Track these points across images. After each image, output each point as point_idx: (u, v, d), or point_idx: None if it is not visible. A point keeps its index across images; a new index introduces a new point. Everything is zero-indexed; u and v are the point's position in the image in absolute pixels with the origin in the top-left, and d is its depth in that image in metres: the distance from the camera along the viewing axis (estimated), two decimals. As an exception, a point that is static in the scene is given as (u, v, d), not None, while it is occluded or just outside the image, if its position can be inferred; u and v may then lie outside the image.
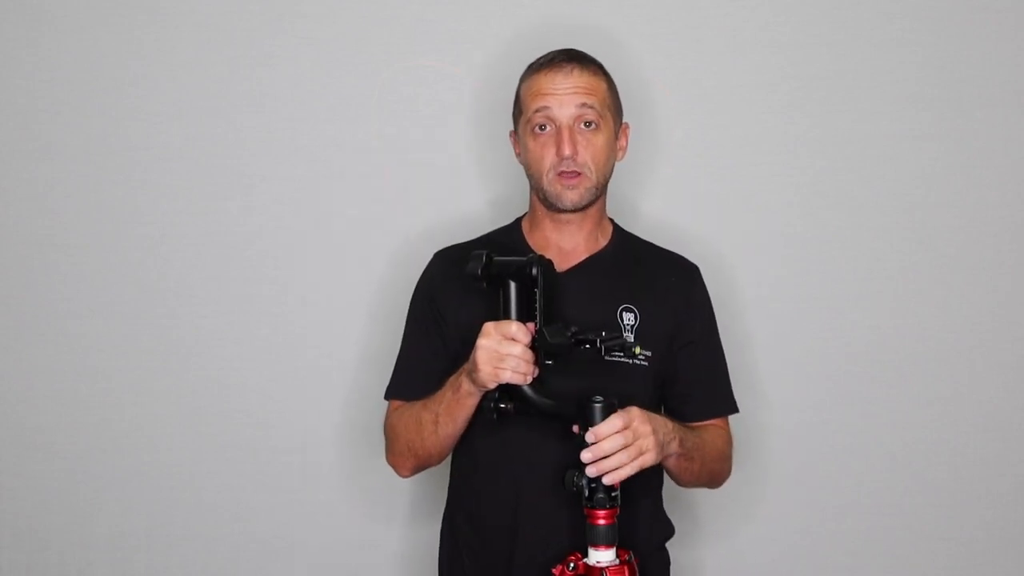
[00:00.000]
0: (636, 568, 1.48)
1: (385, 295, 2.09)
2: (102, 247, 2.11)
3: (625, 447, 1.44)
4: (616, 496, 1.46)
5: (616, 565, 1.45)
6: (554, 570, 1.50)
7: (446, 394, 1.58)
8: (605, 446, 1.44)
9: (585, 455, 1.44)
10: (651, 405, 1.70)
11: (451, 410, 1.58)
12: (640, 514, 1.65)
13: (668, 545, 1.77)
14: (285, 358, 2.13)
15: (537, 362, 1.49)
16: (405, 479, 1.76)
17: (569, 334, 1.48)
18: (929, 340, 2.17)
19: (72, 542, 2.14)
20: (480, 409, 1.56)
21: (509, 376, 1.47)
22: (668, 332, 1.70)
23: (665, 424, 1.54)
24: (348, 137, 2.12)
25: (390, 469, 1.84)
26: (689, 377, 1.73)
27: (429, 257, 1.78)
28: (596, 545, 1.46)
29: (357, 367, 2.11)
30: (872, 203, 2.15)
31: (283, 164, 2.12)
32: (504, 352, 1.47)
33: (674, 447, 1.55)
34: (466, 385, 1.53)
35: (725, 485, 1.82)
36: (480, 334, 1.48)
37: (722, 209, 2.14)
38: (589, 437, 1.44)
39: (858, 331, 2.16)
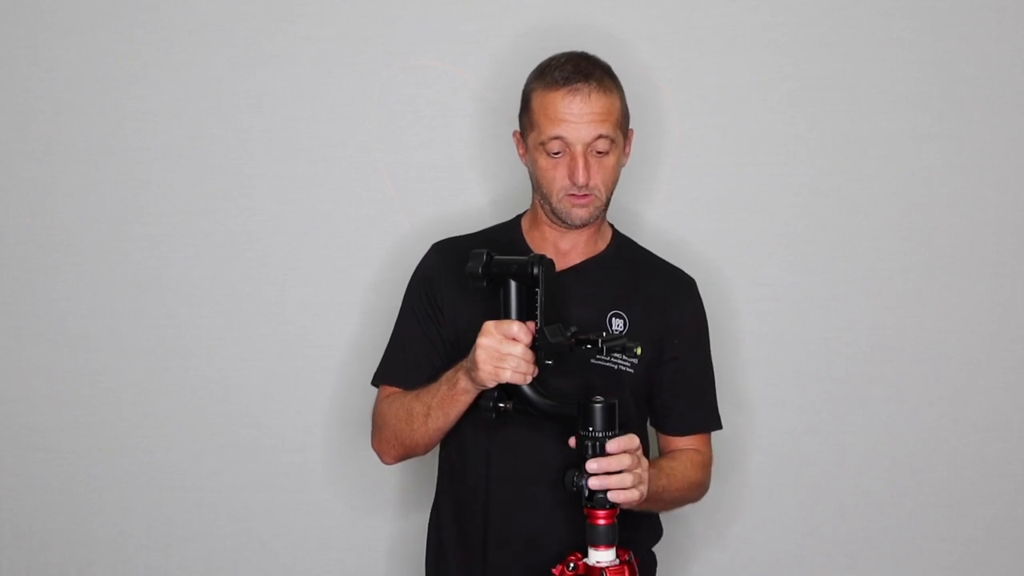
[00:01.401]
0: (636, 568, 1.48)
1: (385, 295, 2.08)
2: (102, 247, 2.11)
3: (631, 470, 1.45)
4: (616, 496, 1.46)
5: (616, 565, 1.45)
6: (554, 570, 1.50)
7: (440, 388, 1.57)
8: (614, 463, 1.44)
9: (592, 465, 1.43)
10: (637, 411, 1.70)
11: (444, 405, 1.57)
12: (633, 516, 1.65)
13: (658, 547, 1.77)
14: (285, 358, 2.13)
15: (537, 362, 1.49)
16: (389, 466, 1.76)
17: (569, 334, 1.48)
18: (929, 340, 2.17)
19: (72, 542, 2.14)
20: (475, 405, 1.56)
21: (509, 376, 1.47)
22: (656, 342, 1.69)
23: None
24: (348, 137, 2.12)
25: (392, 468, 1.85)
26: (674, 390, 1.73)
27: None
28: (596, 545, 1.46)
29: (357, 367, 2.11)
30: (872, 203, 2.15)
31: (283, 164, 2.12)
32: (505, 352, 1.46)
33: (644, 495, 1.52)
34: (463, 382, 1.53)
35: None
36: (480, 333, 1.48)
37: (721, 209, 2.14)
38: (611, 447, 1.43)
39: (858, 331, 2.16)
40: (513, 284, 1.49)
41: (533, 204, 1.75)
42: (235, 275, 2.12)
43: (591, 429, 1.44)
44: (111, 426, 2.13)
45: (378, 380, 1.75)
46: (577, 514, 1.49)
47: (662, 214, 2.12)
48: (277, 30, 2.11)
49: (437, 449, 1.75)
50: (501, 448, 1.65)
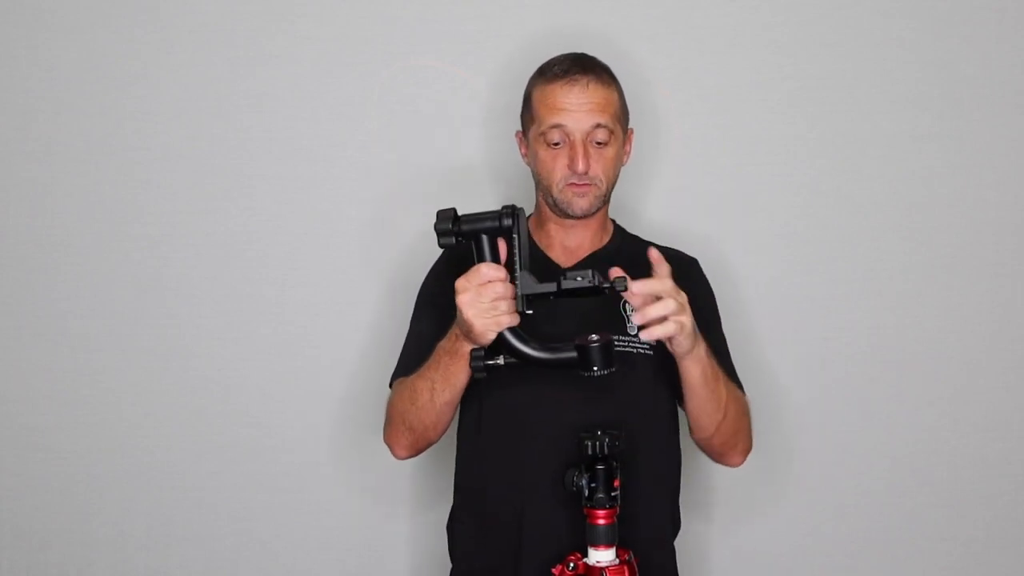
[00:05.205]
0: (636, 568, 1.48)
1: (385, 295, 2.09)
2: (102, 247, 2.11)
3: (674, 299, 1.42)
4: (616, 496, 1.46)
5: (616, 565, 1.45)
6: (554, 570, 1.50)
7: (441, 361, 1.55)
8: (657, 286, 1.41)
9: (635, 299, 1.41)
10: (659, 394, 1.69)
11: (449, 376, 1.55)
12: (654, 509, 1.64)
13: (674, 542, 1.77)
14: (285, 358, 2.13)
15: (518, 311, 1.45)
16: (402, 459, 1.70)
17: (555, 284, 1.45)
18: (929, 340, 2.17)
19: (72, 542, 2.14)
20: (478, 411, 1.55)
21: (508, 320, 1.44)
22: None
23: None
24: (348, 137, 2.12)
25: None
26: None
27: (430, 258, 1.79)
28: (596, 545, 1.46)
29: (357, 367, 2.11)
30: (872, 203, 2.15)
31: (283, 164, 2.12)
32: (490, 299, 1.43)
33: (702, 348, 1.51)
34: (464, 347, 1.50)
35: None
36: (456, 293, 1.45)
37: (722, 209, 2.14)
38: (637, 287, 1.41)
39: (858, 331, 2.16)
40: (484, 237, 1.45)
41: (537, 204, 1.76)
42: (235, 275, 2.12)
43: (595, 369, 1.41)
44: (111, 426, 2.13)
45: (393, 378, 1.72)
46: (577, 513, 1.48)
47: (662, 214, 2.12)
48: (277, 30, 2.11)
49: (452, 460, 1.74)
50: (504, 449, 1.65)
